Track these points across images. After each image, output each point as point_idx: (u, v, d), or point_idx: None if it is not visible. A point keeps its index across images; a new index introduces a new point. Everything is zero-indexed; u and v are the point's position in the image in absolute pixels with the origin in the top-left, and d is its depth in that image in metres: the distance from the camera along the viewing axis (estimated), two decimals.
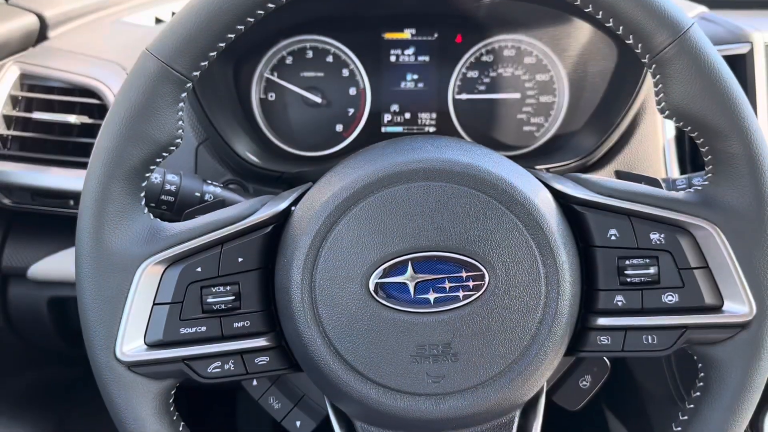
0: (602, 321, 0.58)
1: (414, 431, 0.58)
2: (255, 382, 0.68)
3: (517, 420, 0.59)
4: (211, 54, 0.55)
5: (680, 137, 0.87)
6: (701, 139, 0.57)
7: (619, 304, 0.57)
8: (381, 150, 0.59)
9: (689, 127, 0.57)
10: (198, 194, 0.74)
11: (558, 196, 0.59)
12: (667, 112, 0.57)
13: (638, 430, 1.16)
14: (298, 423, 0.67)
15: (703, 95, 0.55)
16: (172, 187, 0.73)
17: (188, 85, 0.56)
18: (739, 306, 0.56)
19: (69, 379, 1.16)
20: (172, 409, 0.59)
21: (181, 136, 0.58)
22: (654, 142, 0.86)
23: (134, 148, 0.56)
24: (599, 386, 0.66)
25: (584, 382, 0.66)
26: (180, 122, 0.57)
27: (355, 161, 0.59)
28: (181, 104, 0.57)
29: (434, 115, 0.95)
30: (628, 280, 0.57)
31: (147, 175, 0.58)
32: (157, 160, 0.57)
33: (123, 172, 0.56)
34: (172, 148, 0.58)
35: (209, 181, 0.77)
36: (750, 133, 0.55)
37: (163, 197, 0.72)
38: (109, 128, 0.56)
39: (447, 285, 0.55)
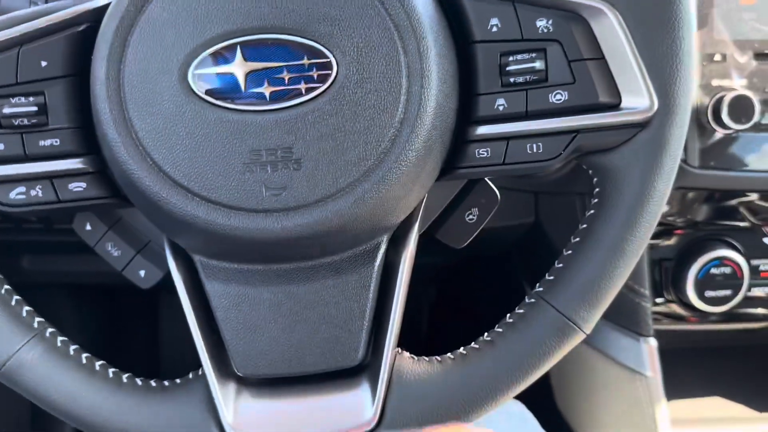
0: (482, 130, 0.49)
1: (260, 260, 0.49)
2: (89, 227, 0.58)
3: (383, 249, 0.50)
4: None
5: None
6: None
7: (501, 108, 0.48)
8: None
9: None
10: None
11: None
12: None
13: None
14: (142, 273, 0.58)
15: None
16: None
17: None
18: (638, 101, 0.48)
19: None
20: None
21: None
22: None
23: None
24: (488, 219, 0.57)
25: (471, 216, 0.58)
26: None
27: None
28: None
29: None
30: (511, 79, 0.48)
31: None
32: None
33: None
34: None
35: None
36: None
37: None
38: None
39: (285, 76, 0.45)
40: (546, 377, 1.06)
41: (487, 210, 0.58)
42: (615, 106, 0.48)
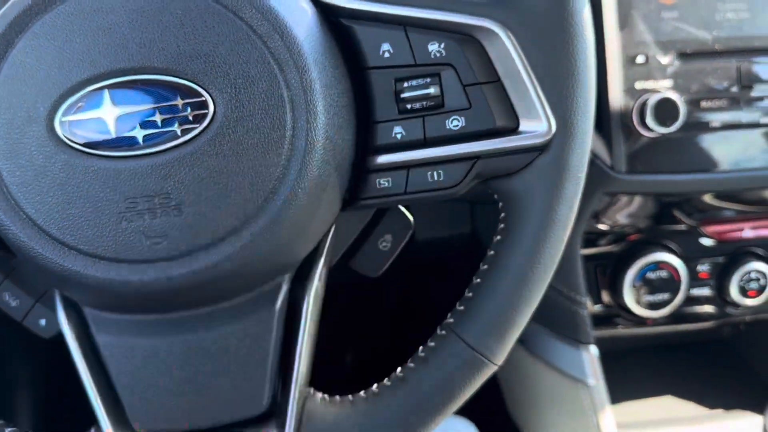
0: (381, 159, 0.47)
1: (152, 310, 0.46)
2: None
3: (285, 288, 0.48)
4: None
5: None
6: None
7: (399, 136, 0.47)
8: None
9: None
10: None
11: (328, 12, 0.47)
12: None
13: None
14: (42, 322, 0.55)
15: None
16: None
17: None
18: (536, 124, 0.46)
19: None
20: None
21: None
22: None
23: None
24: (402, 246, 0.55)
25: (385, 243, 0.56)
26: None
27: None
28: None
29: None
30: (408, 106, 0.46)
31: None
32: None
33: None
34: None
35: None
36: None
37: None
38: None
39: (158, 118, 0.42)
40: (497, 387, 1.05)
41: (400, 236, 0.56)
42: (513, 130, 0.46)
